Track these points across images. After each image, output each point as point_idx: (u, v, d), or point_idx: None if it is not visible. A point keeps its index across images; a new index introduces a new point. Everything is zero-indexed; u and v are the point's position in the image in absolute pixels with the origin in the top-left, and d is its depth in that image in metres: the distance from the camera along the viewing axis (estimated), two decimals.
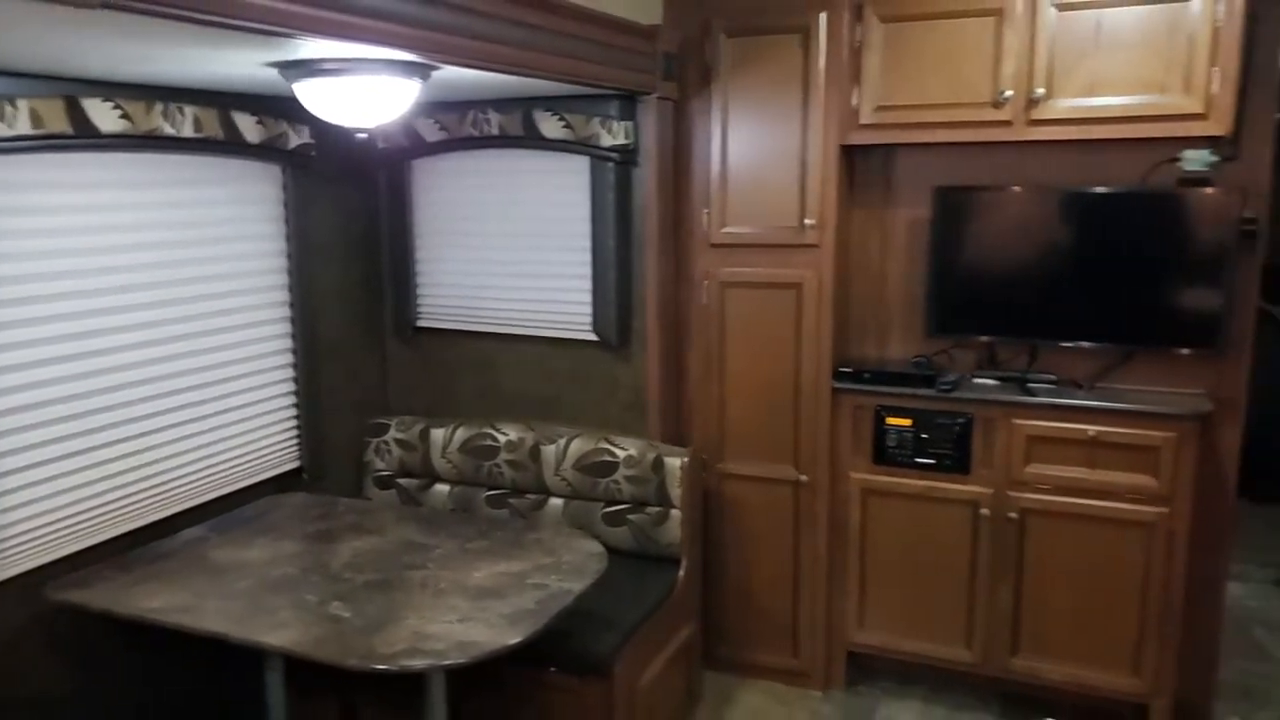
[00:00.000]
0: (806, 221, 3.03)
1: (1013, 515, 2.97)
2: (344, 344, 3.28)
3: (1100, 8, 2.68)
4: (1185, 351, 2.92)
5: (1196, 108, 2.64)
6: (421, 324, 3.43)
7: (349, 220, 3.26)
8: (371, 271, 3.39)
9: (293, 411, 3.10)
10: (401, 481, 3.30)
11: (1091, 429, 2.86)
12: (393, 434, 3.31)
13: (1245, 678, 3.40)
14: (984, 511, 3.00)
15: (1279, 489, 5.18)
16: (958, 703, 3.23)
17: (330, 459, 3.22)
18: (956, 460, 3.03)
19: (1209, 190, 2.80)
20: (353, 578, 2.35)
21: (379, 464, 3.32)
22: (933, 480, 3.06)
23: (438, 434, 3.25)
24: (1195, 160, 2.79)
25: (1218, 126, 2.64)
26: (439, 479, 3.27)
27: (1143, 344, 2.98)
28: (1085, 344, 3.03)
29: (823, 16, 2.90)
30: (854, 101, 2.97)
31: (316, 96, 2.14)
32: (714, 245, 3.16)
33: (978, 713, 3.18)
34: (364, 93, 2.11)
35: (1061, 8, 2.71)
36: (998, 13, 2.77)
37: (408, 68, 2.12)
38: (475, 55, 2.12)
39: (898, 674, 3.34)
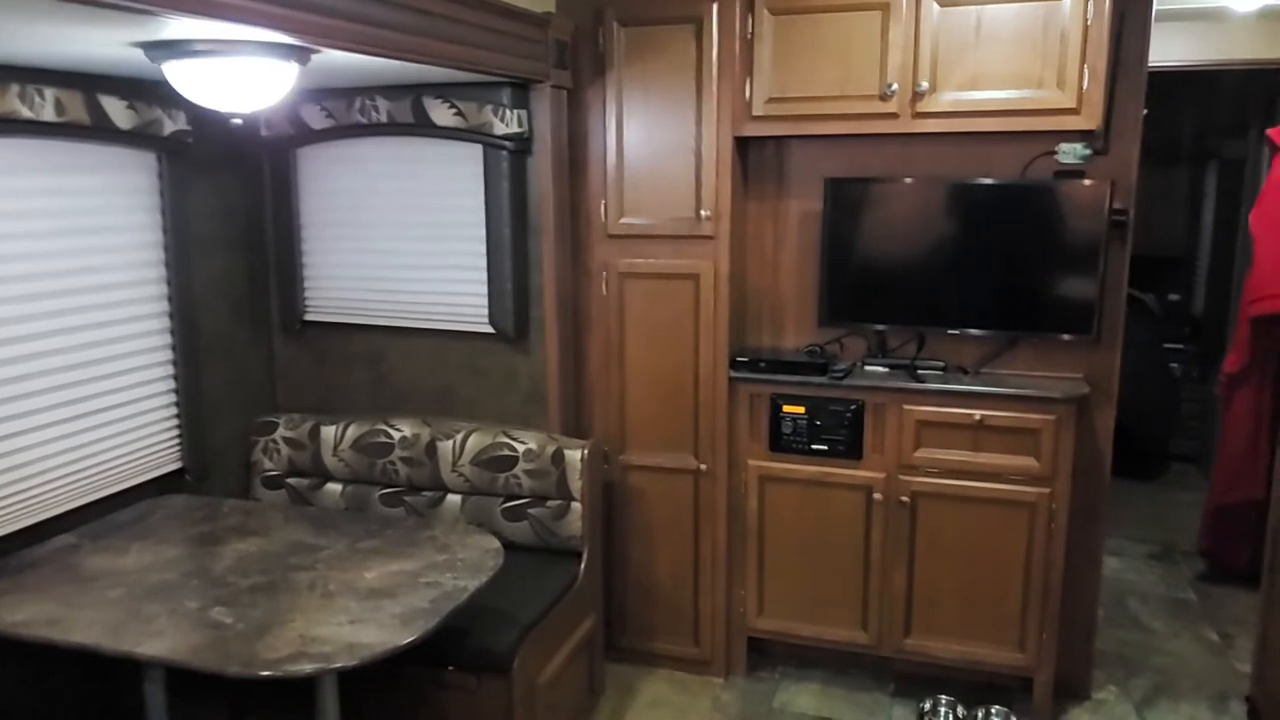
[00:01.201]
0: (702, 213, 3.04)
1: (904, 499, 3.05)
2: (228, 339, 3.16)
3: (980, 4, 2.76)
4: (1064, 337, 3.04)
5: (1069, 103, 2.74)
6: (310, 318, 3.33)
7: (231, 211, 3.13)
8: (256, 264, 3.26)
9: (173, 410, 2.96)
10: (291, 481, 3.20)
11: (977, 413, 2.96)
12: (281, 432, 3.20)
13: (1121, 647, 3.57)
14: (877, 496, 3.07)
15: (1156, 468, 5.49)
16: (854, 684, 3.30)
17: (215, 459, 3.10)
18: (849, 446, 3.09)
19: (1083, 182, 2.92)
20: (236, 581, 2.26)
21: (267, 464, 3.20)
22: (827, 466, 3.11)
23: (328, 431, 3.16)
24: (1070, 153, 2.91)
25: (1089, 121, 2.75)
26: (331, 478, 3.17)
27: (1025, 330, 3.09)
28: (971, 331, 3.12)
29: (714, 7, 2.91)
30: (747, 93, 2.99)
31: (187, 78, 2.04)
32: (611, 236, 3.15)
33: (874, 693, 3.26)
34: (238, 75, 2.02)
35: (944, 3, 2.78)
36: (884, 7, 2.83)
37: (285, 50, 2.04)
38: (358, 39, 2.05)
39: (797, 658, 3.40)
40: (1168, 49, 3.87)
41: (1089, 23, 2.69)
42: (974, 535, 3.01)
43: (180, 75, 2.04)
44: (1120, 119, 2.90)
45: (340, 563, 2.37)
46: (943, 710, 3.07)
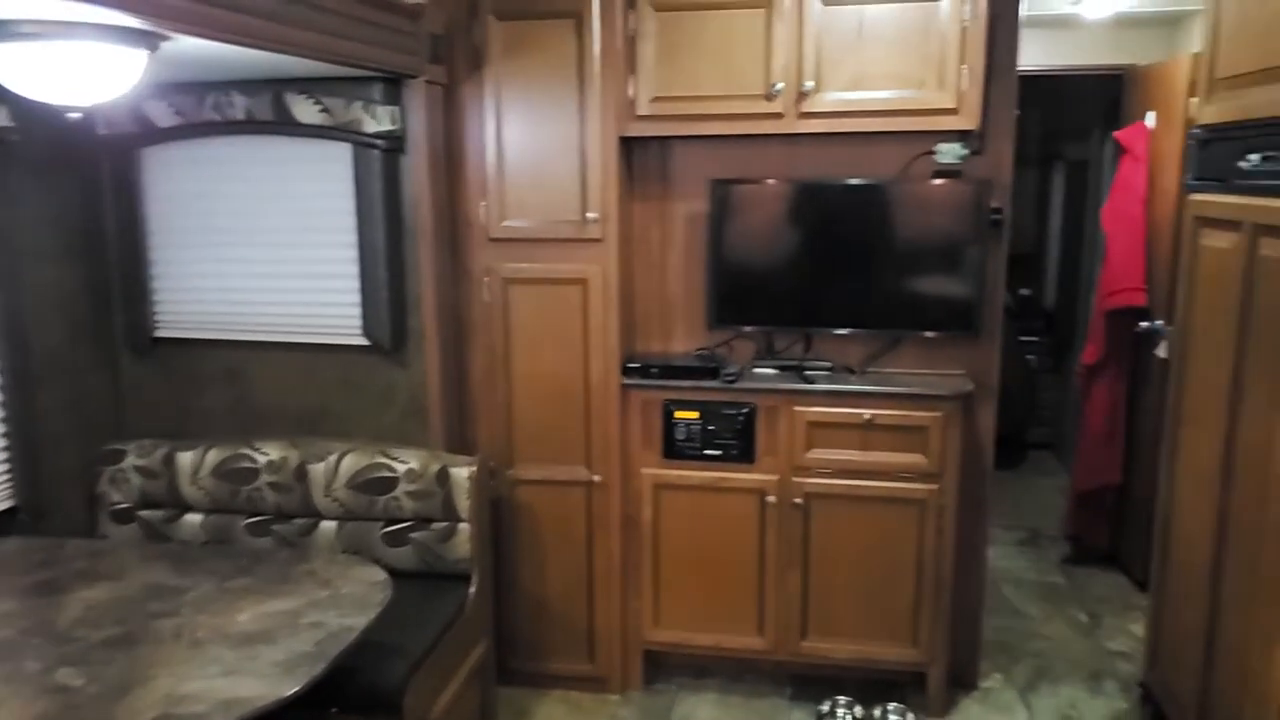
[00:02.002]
0: (589, 215, 2.94)
1: (797, 501, 3.03)
2: (66, 360, 2.84)
3: (862, 3, 2.77)
4: (945, 335, 3.09)
5: (949, 103, 2.78)
6: (161, 334, 3.04)
7: (65, 217, 2.82)
8: (97, 276, 2.95)
9: (1, 442, 2.63)
10: (144, 514, 2.90)
11: (866, 413, 2.96)
12: (131, 460, 2.90)
13: (1001, 634, 3.67)
14: (770, 499, 3.05)
15: (1017, 456, 5.73)
16: (752, 690, 3.27)
17: (54, 494, 2.78)
18: (742, 450, 3.05)
19: (961, 182, 2.97)
20: (86, 635, 2.00)
21: (115, 496, 2.90)
22: (721, 471, 3.07)
23: (186, 457, 2.88)
24: (948, 153, 2.96)
25: (968, 121, 2.80)
26: (189, 508, 2.90)
27: (908, 329, 3.12)
28: (856, 331, 3.14)
29: (595, 2, 2.81)
30: (631, 92, 2.91)
31: (12, 66, 1.78)
32: (494, 240, 3.01)
33: (771, 698, 3.23)
34: (75, 64, 1.78)
35: (827, 2, 2.78)
36: (767, 5, 2.80)
37: (131, 35, 1.81)
38: (213, 24, 1.84)
39: (694, 668, 3.34)
40: (1023, 54, 4.03)
41: (966, 24, 2.73)
42: (866, 534, 3.02)
43: (4, 63, 1.78)
44: (994, 120, 2.97)
45: (208, 605, 2.14)
46: (840, 711, 3.07)
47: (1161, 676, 2.46)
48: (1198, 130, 2.31)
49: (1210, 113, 2.24)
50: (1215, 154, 2.20)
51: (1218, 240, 2.14)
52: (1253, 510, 1.95)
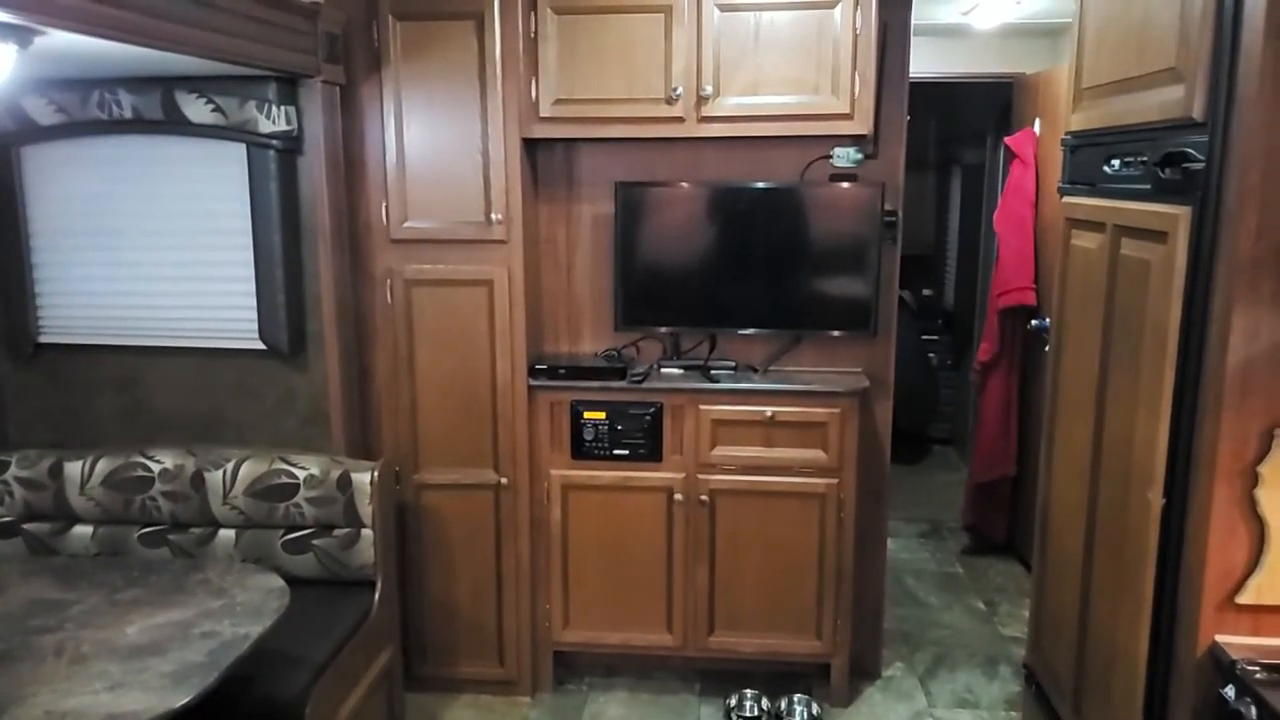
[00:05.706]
0: (494, 217, 2.93)
1: (703, 498, 3.08)
2: None
3: (758, 10, 2.83)
4: (844, 334, 3.17)
5: (843, 108, 2.86)
6: (46, 339, 2.93)
7: None
8: None
9: None
10: (29, 527, 2.79)
11: (768, 410, 3.02)
12: (13, 471, 2.78)
13: (902, 624, 3.79)
14: (677, 497, 3.08)
15: (919, 451, 5.91)
16: (661, 688, 3.30)
17: None
18: (650, 449, 3.08)
19: (857, 185, 3.06)
20: None
21: None
22: (629, 470, 3.09)
23: (74, 467, 2.78)
24: (844, 157, 3.04)
25: (861, 126, 2.88)
26: (78, 520, 2.80)
27: (807, 329, 3.20)
28: (758, 331, 3.20)
29: (495, 3, 2.81)
30: (533, 94, 2.92)
31: None
32: (395, 241, 2.98)
33: (681, 694, 3.27)
34: None
35: (724, 8, 2.83)
36: (666, 10, 2.84)
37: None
38: (91, 19, 1.79)
39: (604, 667, 3.36)
40: (917, 61, 4.17)
41: (858, 32, 2.81)
42: (770, 529, 3.08)
43: None
44: (887, 125, 3.07)
45: (95, 619, 2.07)
46: (748, 704, 3.13)
47: (1042, 657, 2.57)
48: (1068, 136, 2.43)
49: (1078, 120, 2.36)
50: (1083, 159, 2.32)
51: (1086, 241, 2.25)
52: (1117, 497, 2.06)
